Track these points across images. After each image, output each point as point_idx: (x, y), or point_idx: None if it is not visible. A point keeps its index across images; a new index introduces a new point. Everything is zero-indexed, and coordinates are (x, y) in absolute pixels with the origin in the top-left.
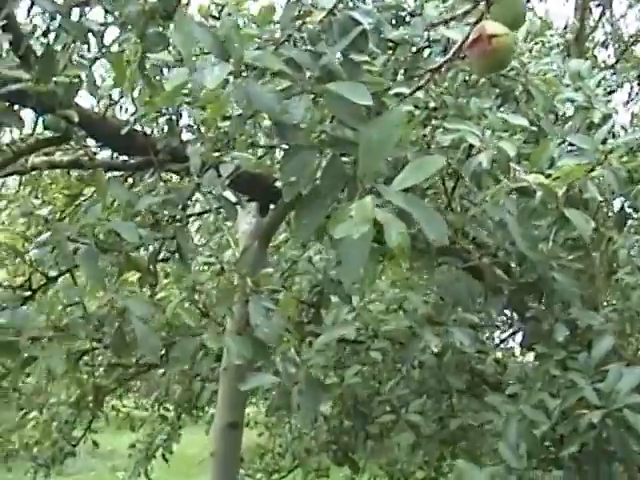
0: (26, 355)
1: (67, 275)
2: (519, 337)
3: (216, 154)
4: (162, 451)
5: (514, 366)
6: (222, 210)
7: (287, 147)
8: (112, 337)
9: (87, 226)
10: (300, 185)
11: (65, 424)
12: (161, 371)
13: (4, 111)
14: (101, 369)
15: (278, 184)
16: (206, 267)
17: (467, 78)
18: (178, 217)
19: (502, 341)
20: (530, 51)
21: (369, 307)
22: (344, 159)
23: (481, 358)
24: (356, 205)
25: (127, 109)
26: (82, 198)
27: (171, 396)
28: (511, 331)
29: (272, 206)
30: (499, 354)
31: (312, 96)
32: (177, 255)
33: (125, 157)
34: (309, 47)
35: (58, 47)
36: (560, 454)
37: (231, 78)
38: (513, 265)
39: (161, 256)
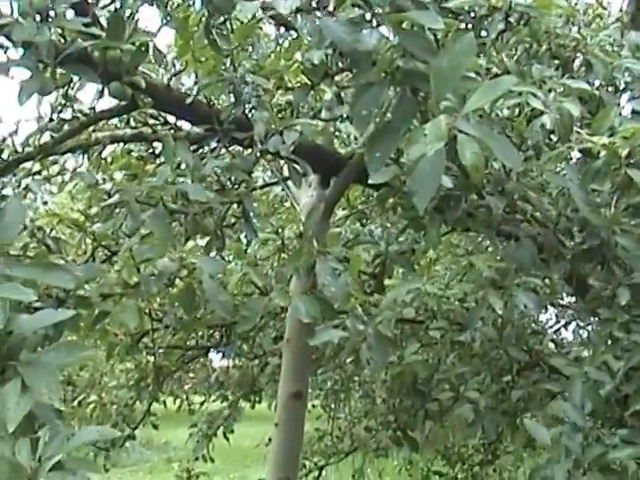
0: (99, 310)
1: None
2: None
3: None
4: (223, 430)
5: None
6: (285, 184)
7: (359, 83)
8: (182, 295)
9: (155, 189)
10: (371, 119)
11: (125, 407)
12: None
13: (79, 66)
14: (160, 350)
15: (339, 155)
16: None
17: (527, 47)
18: (244, 183)
19: (556, 331)
20: (587, 25)
21: (427, 288)
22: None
23: (538, 338)
24: (430, 124)
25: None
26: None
27: (229, 380)
28: (563, 322)
29: (333, 179)
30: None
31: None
32: (243, 220)
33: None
34: None
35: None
36: (625, 413)
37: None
38: (575, 231)
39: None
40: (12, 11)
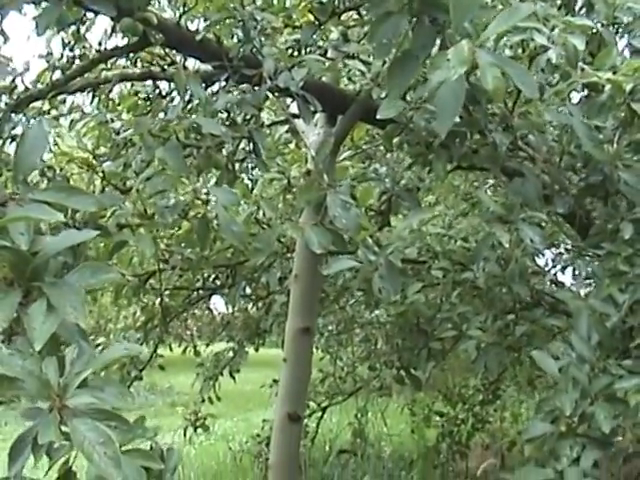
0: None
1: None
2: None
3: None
4: (229, 369)
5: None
6: (293, 121)
7: (378, 13)
8: (196, 227)
9: (169, 122)
10: (391, 48)
11: None
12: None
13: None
14: (166, 292)
15: (346, 92)
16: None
17: None
18: (254, 119)
19: (554, 274)
20: None
21: (429, 228)
22: None
23: (539, 278)
24: (453, 49)
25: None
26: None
27: (235, 320)
28: (561, 266)
29: (339, 117)
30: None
31: None
32: (254, 154)
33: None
34: None
35: None
36: (630, 345)
37: None
38: (579, 167)
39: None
40: None
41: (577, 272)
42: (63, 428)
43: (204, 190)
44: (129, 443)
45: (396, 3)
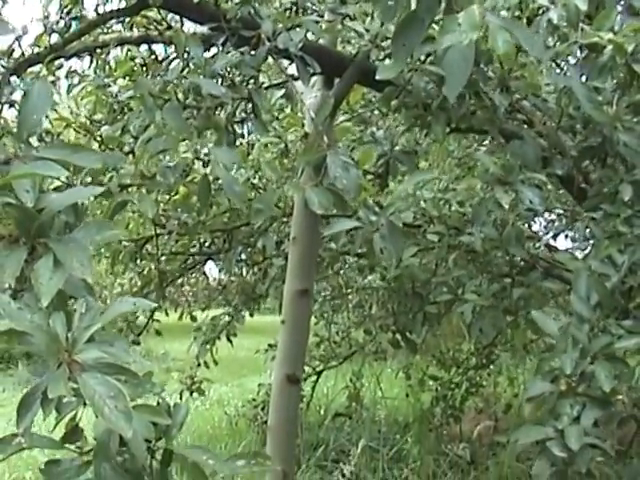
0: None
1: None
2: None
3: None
4: (226, 333)
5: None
6: (292, 83)
7: None
8: (198, 187)
9: (169, 83)
10: (397, 9)
11: (133, 313)
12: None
13: None
14: (163, 258)
15: (343, 55)
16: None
17: None
18: (252, 80)
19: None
20: None
21: (424, 193)
22: None
23: (533, 242)
24: (463, 14)
25: None
26: None
27: (231, 285)
28: (553, 233)
29: (336, 80)
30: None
31: None
32: (253, 116)
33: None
34: None
35: None
36: (629, 305)
37: None
38: (578, 128)
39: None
40: None
41: (575, 235)
42: (71, 384)
43: (204, 151)
44: (138, 398)
45: None
